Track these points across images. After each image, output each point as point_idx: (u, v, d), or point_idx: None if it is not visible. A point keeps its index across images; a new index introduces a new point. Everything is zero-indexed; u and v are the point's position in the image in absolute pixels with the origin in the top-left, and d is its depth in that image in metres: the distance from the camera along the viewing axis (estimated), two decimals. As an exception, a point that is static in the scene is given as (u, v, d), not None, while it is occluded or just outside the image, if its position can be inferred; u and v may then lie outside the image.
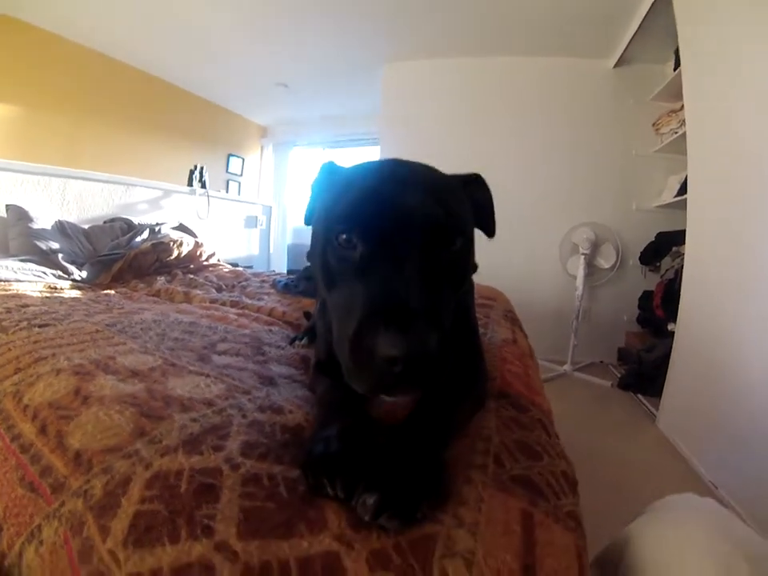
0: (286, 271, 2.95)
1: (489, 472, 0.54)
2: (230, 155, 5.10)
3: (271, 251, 5.05)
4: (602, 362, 3.53)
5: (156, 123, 4.11)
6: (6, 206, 2.40)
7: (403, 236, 0.53)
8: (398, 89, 3.78)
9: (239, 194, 5.23)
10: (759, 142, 1.61)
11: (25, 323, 1.06)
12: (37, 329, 1.01)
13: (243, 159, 5.30)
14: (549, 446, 0.64)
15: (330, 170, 0.71)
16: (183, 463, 0.50)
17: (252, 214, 4.62)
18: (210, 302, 1.85)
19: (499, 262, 3.58)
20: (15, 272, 1.99)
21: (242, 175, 5.32)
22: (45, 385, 0.69)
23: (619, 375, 3.13)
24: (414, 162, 0.65)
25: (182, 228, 3.34)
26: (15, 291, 1.74)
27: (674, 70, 2.65)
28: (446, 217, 0.56)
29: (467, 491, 0.51)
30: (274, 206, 5.11)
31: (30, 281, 2.00)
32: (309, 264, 0.68)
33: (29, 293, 1.74)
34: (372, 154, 4.83)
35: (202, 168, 3.83)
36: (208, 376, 0.75)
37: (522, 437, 0.64)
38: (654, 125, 3.24)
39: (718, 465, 1.84)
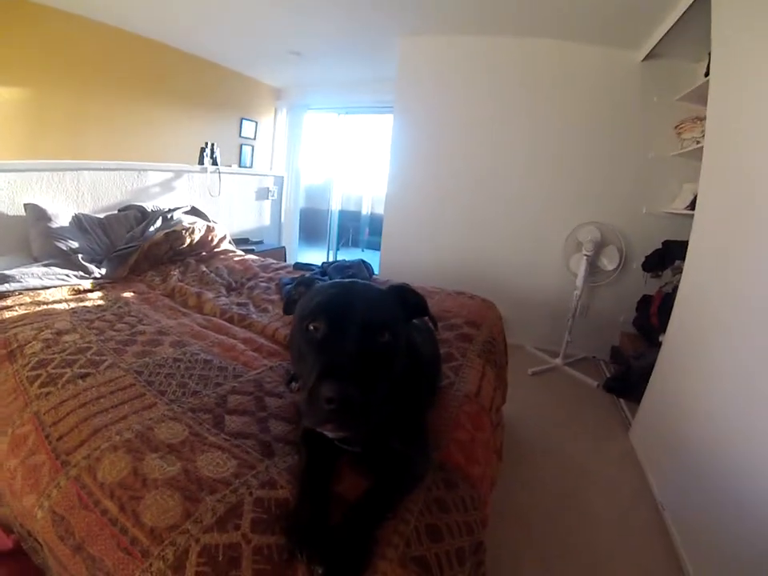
0: (293, 263, 3.18)
1: (399, 551, 0.84)
2: (242, 119, 5.27)
3: (282, 221, 5.29)
4: (594, 357, 3.75)
5: (164, 91, 4.20)
6: (25, 205, 2.70)
7: (347, 327, 0.86)
8: (414, 62, 3.85)
9: (252, 158, 5.47)
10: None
11: (68, 371, 1.37)
12: (80, 381, 1.32)
13: (257, 123, 5.48)
14: (455, 527, 0.94)
15: (306, 284, 1.10)
16: (218, 539, 0.82)
17: (264, 185, 4.87)
18: (221, 313, 2.14)
19: (504, 248, 3.81)
20: (41, 278, 2.30)
21: (255, 139, 5.51)
22: (109, 463, 1.00)
23: (608, 374, 3.38)
24: (361, 283, 1.02)
25: (194, 211, 3.62)
26: (45, 305, 2.06)
27: (706, 74, 2.52)
28: (375, 318, 0.89)
29: (382, 565, 0.80)
30: (287, 173, 5.31)
31: (56, 285, 2.32)
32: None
33: (57, 306, 2.05)
34: (386, 122, 4.95)
35: (212, 145, 4.07)
36: (224, 450, 1.06)
37: (436, 520, 0.93)
38: (676, 128, 3.21)
39: (670, 487, 2.02)
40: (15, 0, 3.01)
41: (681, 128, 3.16)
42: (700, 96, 2.68)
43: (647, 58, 3.22)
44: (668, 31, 2.77)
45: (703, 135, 2.61)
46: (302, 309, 0.96)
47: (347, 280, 1.02)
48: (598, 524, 1.91)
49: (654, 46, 3.03)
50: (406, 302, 1.06)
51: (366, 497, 0.92)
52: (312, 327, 0.89)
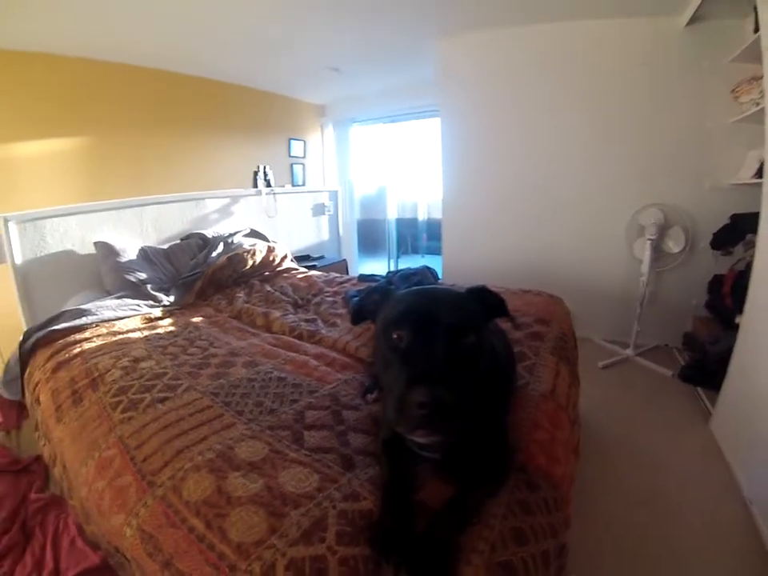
0: (357, 275, 3.19)
1: (485, 556, 0.83)
2: (290, 139, 5.38)
3: (341, 233, 5.34)
4: (666, 345, 3.57)
5: (213, 124, 4.44)
6: (95, 243, 2.82)
7: (432, 332, 0.85)
8: (454, 63, 3.82)
9: (304, 176, 5.60)
10: None
11: (147, 396, 1.41)
12: (159, 405, 1.35)
13: (305, 141, 5.59)
14: (540, 529, 0.92)
15: (381, 292, 1.09)
16: (303, 552, 0.82)
17: (319, 201, 4.93)
18: (290, 330, 2.15)
19: (566, 242, 3.70)
20: (115, 310, 2.39)
21: (305, 157, 5.63)
22: (193, 482, 1.02)
23: (683, 362, 3.19)
24: (441, 288, 1.05)
25: (253, 234, 3.69)
26: (120, 334, 2.14)
27: (755, 30, 2.40)
28: (460, 321, 0.88)
29: (468, 571, 0.81)
30: (340, 187, 5.37)
31: (129, 315, 2.40)
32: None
33: (131, 335, 2.12)
34: (433, 126, 4.92)
35: (264, 167, 4.15)
36: (305, 465, 1.07)
37: (520, 522, 0.92)
38: (732, 92, 2.97)
39: (757, 479, 1.87)
40: (69, 58, 3.31)
41: (737, 91, 2.95)
42: (753, 54, 2.48)
43: (691, 22, 3.01)
44: None
45: (762, 95, 2.47)
46: (385, 318, 0.96)
47: (429, 286, 1.05)
48: (680, 521, 1.80)
49: (697, 8, 2.83)
50: (485, 303, 1.06)
51: (450, 504, 0.92)
52: (396, 335, 0.88)
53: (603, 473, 2.09)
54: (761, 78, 2.40)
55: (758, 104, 2.66)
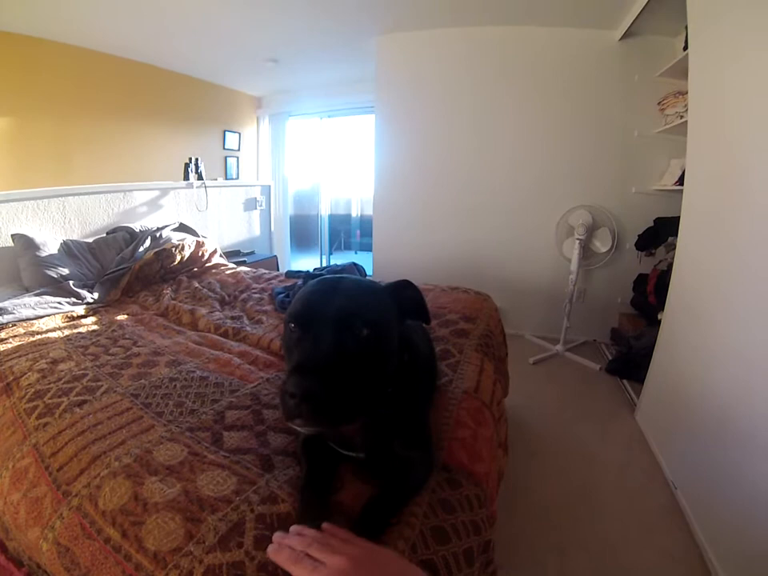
0: (285, 272, 3.19)
1: (405, 556, 0.83)
2: (225, 131, 5.29)
3: (272, 229, 5.31)
4: (594, 340, 3.79)
5: (145, 111, 4.25)
6: (12, 235, 2.70)
7: (321, 324, 0.83)
8: (392, 61, 3.88)
9: (238, 170, 5.50)
10: (762, 137, 1.58)
11: (65, 400, 1.38)
12: (77, 409, 1.32)
13: (239, 134, 5.51)
14: (462, 527, 0.94)
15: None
16: (221, 558, 0.81)
17: (251, 195, 4.89)
18: (215, 328, 2.15)
19: (496, 239, 3.82)
20: (34, 308, 2.30)
21: (239, 150, 5.54)
22: (109, 490, 1.00)
23: (610, 356, 3.39)
24: (349, 279, 0.97)
25: (182, 228, 3.63)
26: (39, 334, 2.07)
27: (684, 48, 2.63)
28: (350, 314, 0.84)
29: None
30: (273, 182, 5.33)
31: (49, 314, 2.32)
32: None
33: (51, 335, 2.05)
34: (368, 122, 4.96)
35: (197, 159, 4.08)
36: (223, 467, 1.06)
37: (441, 521, 0.93)
38: (659, 104, 3.26)
39: (680, 465, 2.02)
40: None
41: (664, 104, 3.19)
42: (680, 70, 2.73)
43: (624, 36, 3.24)
44: (643, 8, 2.78)
45: (686, 109, 2.64)
46: (288, 310, 0.95)
47: (335, 275, 0.99)
48: (612, 508, 1.92)
49: (631, 24, 3.04)
50: (401, 298, 1.02)
51: (370, 504, 0.92)
52: (291, 327, 0.88)
53: (536, 465, 2.19)
54: (686, 93, 2.60)
55: (681, 116, 2.89)
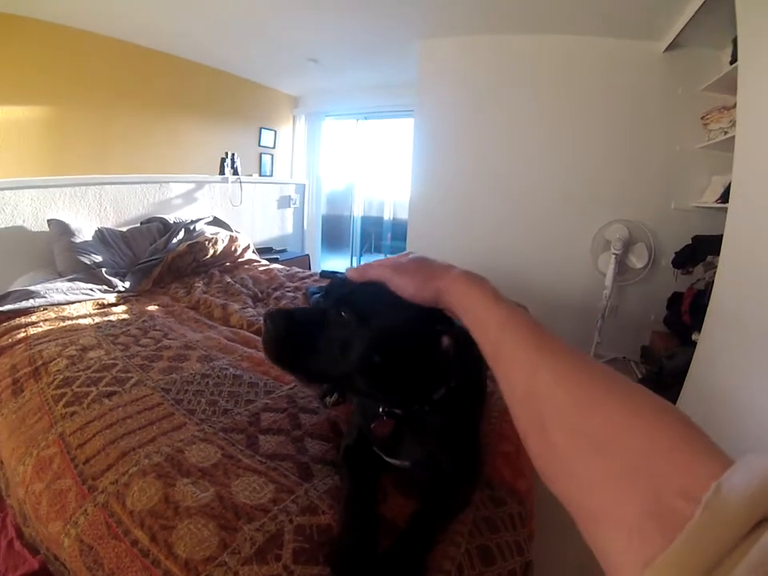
0: (319, 272, 3.14)
1: None
2: (261, 128, 5.25)
3: (305, 228, 5.26)
4: (624, 357, 3.64)
5: (183, 105, 4.22)
6: (48, 221, 2.71)
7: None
8: (435, 65, 3.80)
9: (272, 167, 5.46)
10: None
11: (93, 390, 1.32)
12: (106, 400, 1.27)
13: (275, 132, 5.46)
14: (506, 547, 0.89)
15: None
16: (257, 571, 0.76)
17: (285, 193, 4.86)
18: (248, 325, 2.08)
19: (528, 249, 3.73)
20: (66, 293, 2.28)
21: (274, 147, 5.49)
22: (138, 489, 0.94)
23: (640, 375, 3.27)
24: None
25: (216, 222, 3.60)
26: (70, 319, 2.03)
27: (731, 62, 2.50)
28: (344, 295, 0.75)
29: None
30: (307, 181, 5.29)
31: (80, 300, 2.29)
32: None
33: (81, 321, 2.01)
34: (406, 126, 4.90)
35: (233, 155, 4.05)
36: (260, 473, 1.00)
37: (486, 541, 0.88)
38: (702, 118, 3.08)
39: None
40: (36, 22, 3.03)
41: (707, 119, 3.05)
42: (726, 85, 2.63)
43: (669, 48, 3.10)
44: (690, 19, 2.66)
45: (731, 125, 2.58)
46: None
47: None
48: None
49: (676, 36, 2.91)
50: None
51: (415, 521, 0.86)
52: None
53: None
54: (731, 107, 2.54)
55: (726, 132, 2.75)
